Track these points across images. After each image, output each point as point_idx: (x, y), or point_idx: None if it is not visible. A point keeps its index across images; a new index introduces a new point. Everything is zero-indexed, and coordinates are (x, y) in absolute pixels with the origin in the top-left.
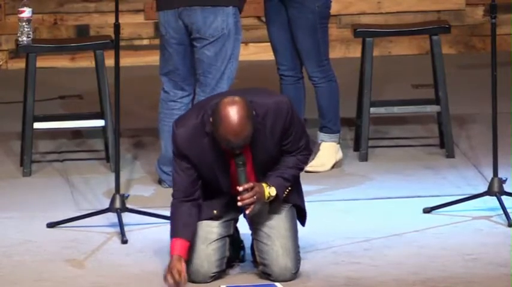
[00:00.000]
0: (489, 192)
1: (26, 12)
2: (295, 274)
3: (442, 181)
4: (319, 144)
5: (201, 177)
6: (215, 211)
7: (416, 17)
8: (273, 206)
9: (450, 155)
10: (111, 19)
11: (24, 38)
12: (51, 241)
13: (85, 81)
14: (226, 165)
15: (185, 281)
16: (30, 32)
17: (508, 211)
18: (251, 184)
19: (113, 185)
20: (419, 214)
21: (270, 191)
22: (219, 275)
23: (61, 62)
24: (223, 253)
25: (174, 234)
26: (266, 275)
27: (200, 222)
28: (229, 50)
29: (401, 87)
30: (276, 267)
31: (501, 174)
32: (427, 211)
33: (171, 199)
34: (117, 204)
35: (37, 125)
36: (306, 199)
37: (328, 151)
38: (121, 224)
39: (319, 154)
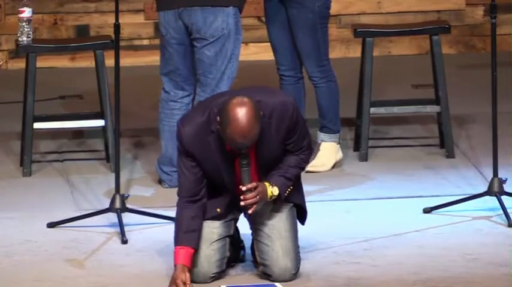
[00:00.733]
0: (489, 192)
1: (26, 12)
2: (295, 275)
3: (442, 181)
4: (319, 144)
5: (206, 175)
6: (219, 210)
7: (417, 17)
8: (274, 205)
9: (450, 155)
10: (111, 19)
11: (24, 38)
12: (51, 241)
13: (85, 81)
14: (231, 163)
15: None
16: (30, 32)
17: (508, 211)
18: (254, 184)
19: (113, 185)
20: (419, 214)
21: (273, 190)
22: (219, 275)
23: (61, 62)
24: (223, 254)
25: (177, 242)
26: (266, 275)
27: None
28: (230, 50)
29: (401, 87)
30: (276, 268)
31: (501, 174)
32: (427, 211)
33: (171, 199)
34: (117, 204)
35: (37, 125)
36: (306, 198)
37: (328, 151)
38: (121, 224)
39: (320, 154)
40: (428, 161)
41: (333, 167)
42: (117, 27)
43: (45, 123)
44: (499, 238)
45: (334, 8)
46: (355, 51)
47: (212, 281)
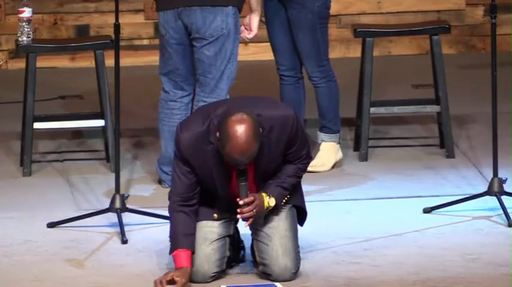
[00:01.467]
0: (489, 192)
1: (26, 12)
2: (295, 274)
3: (442, 181)
4: (319, 144)
5: (200, 182)
6: (215, 215)
7: (417, 17)
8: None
9: (450, 155)
10: (111, 19)
11: (24, 38)
12: (51, 241)
13: (85, 81)
14: (227, 175)
15: None
16: (30, 32)
17: (508, 211)
18: (252, 198)
19: (113, 185)
20: (419, 214)
21: (270, 201)
22: (219, 275)
23: (61, 62)
24: (223, 253)
25: (178, 245)
26: (266, 275)
27: (200, 222)
28: (229, 50)
29: (401, 87)
30: (275, 267)
31: (501, 174)
32: (427, 211)
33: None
34: (117, 204)
35: (37, 125)
36: (306, 198)
37: (328, 151)
38: (121, 224)
39: (319, 154)
40: (428, 161)
41: (333, 167)
42: (117, 27)
43: (45, 123)
44: (499, 238)
45: (334, 8)
46: (355, 51)
47: (212, 281)
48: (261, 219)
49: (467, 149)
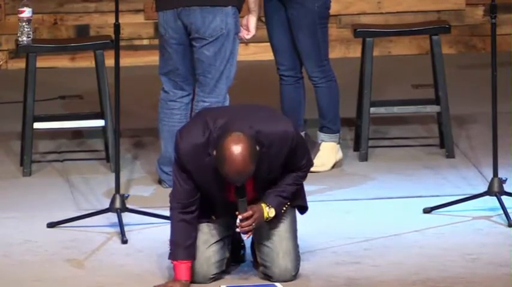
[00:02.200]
0: (489, 192)
1: (26, 12)
2: (295, 276)
3: (442, 181)
4: (319, 144)
5: (199, 189)
6: (214, 217)
7: (417, 17)
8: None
9: (450, 155)
10: (111, 19)
11: (24, 38)
12: (51, 241)
13: (85, 81)
14: (224, 184)
15: None
16: (30, 32)
17: (508, 211)
18: (250, 212)
19: (113, 185)
20: (419, 214)
21: (269, 212)
22: (219, 275)
23: (61, 62)
24: (223, 255)
25: (177, 257)
26: (266, 276)
27: (200, 224)
28: (229, 50)
29: (401, 87)
30: (276, 268)
31: (501, 174)
32: (427, 211)
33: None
34: (117, 204)
35: (37, 125)
36: (306, 198)
37: (328, 151)
38: (121, 224)
39: (319, 154)
40: (428, 161)
41: (333, 167)
42: (117, 27)
43: (45, 123)
44: (499, 238)
45: (334, 8)
46: (355, 51)
47: (212, 281)
48: (262, 225)
49: (467, 149)
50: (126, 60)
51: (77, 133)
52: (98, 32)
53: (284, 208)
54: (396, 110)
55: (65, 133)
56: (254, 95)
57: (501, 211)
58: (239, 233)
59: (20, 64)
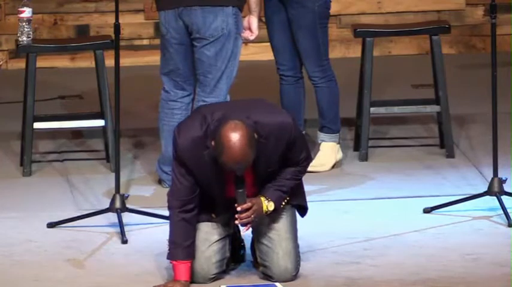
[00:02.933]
0: (489, 192)
1: (26, 12)
2: (295, 276)
3: (442, 181)
4: (319, 144)
5: (198, 184)
6: (213, 215)
7: (417, 17)
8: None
9: (450, 155)
10: (111, 19)
11: (24, 38)
12: (51, 241)
13: (85, 81)
14: (224, 178)
15: None
16: (30, 32)
17: (508, 211)
18: (249, 204)
19: (113, 185)
20: (419, 214)
21: (269, 205)
22: (219, 275)
23: (61, 62)
24: (223, 255)
25: (177, 257)
26: (266, 276)
27: (200, 223)
28: (229, 50)
29: (401, 87)
30: (276, 269)
31: (501, 174)
32: (427, 211)
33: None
34: (117, 204)
35: (37, 125)
36: (306, 198)
37: (328, 151)
38: (121, 224)
39: (319, 154)
40: (428, 161)
41: (333, 167)
42: (117, 27)
43: (45, 123)
44: (499, 238)
45: (334, 8)
46: (355, 51)
47: (212, 281)
48: (260, 222)
49: (467, 149)
50: (126, 60)
51: (77, 133)
52: (97, 32)
53: (283, 203)
54: (396, 110)
55: (65, 133)
56: (254, 95)
57: (501, 211)
58: (238, 230)
59: (20, 64)
